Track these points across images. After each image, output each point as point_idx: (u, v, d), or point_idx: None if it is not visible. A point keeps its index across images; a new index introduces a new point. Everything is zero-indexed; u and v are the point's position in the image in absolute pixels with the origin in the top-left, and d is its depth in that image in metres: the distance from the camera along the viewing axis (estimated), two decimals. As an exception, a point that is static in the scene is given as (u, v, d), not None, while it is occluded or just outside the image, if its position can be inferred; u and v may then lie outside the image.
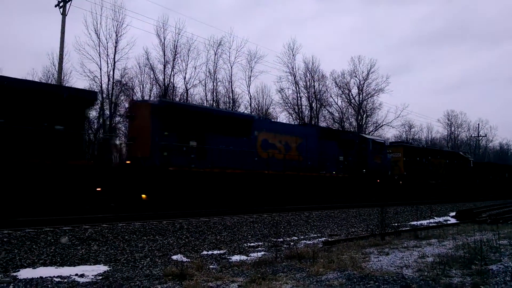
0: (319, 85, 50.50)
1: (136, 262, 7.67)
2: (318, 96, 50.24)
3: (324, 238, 11.92)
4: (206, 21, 77.66)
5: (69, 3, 24.86)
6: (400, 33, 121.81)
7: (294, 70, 49.02)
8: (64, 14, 24.76)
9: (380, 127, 53.42)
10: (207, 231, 11.53)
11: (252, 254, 8.93)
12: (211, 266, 7.39)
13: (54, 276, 6.36)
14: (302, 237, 11.99)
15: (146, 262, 7.70)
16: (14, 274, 6.48)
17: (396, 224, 14.26)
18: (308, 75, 49.67)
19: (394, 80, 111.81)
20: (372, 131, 51.49)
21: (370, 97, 53.43)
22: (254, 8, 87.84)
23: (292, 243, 10.64)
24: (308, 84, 49.65)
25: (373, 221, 15.44)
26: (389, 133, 55.88)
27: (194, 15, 79.17)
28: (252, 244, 10.30)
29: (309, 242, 11.04)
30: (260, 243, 10.51)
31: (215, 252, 9.09)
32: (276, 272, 6.51)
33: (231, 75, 43.59)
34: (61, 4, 24.93)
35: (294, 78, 48.85)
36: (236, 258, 8.45)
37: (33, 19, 67.54)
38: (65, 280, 6.17)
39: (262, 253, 9.09)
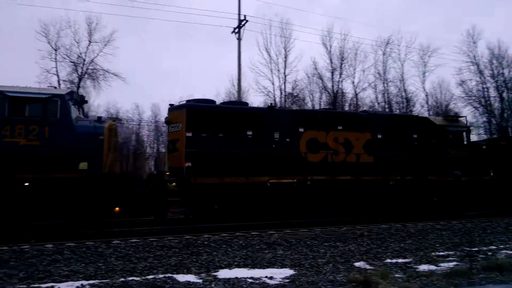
0: (509, 72, 43.90)
1: (319, 267, 7.84)
2: (510, 84, 43.62)
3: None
4: (372, 23, 75.75)
5: (242, 28, 27.31)
6: None
7: (477, 59, 43.74)
8: (239, 39, 27.34)
9: None
10: (389, 238, 11.09)
11: (441, 264, 8.21)
12: (396, 275, 7.06)
13: (247, 277, 6.96)
14: (502, 246, 10.50)
15: (329, 267, 7.80)
16: (214, 274, 7.31)
17: None
18: (495, 62, 43.69)
19: None
20: None
21: None
22: (423, 2, 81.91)
23: (489, 253, 9.41)
24: (495, 72, 43.67)
25: None
26: None
27: (359, 19, 78.06)
28: (441, 253, 9.47)
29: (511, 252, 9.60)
30: (451, 252, 9.59)
31: (400, 260, 8.64)
32: (472, 284, 5.84)
33: (402, 73, 41.43)
34: (236, 30, 27.54)
35: (478, 68, 43.56)
36: (423, 267, 7.88)
37: (215, 49, 76.30)
38: (257, 282, 6.69)
39: (454, 263, 8.27)
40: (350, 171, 15.35)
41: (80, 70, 32.73)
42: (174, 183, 13.17)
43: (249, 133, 14.30)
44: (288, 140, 14.76)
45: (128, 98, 74.34)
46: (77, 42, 32.90)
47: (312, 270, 7.60)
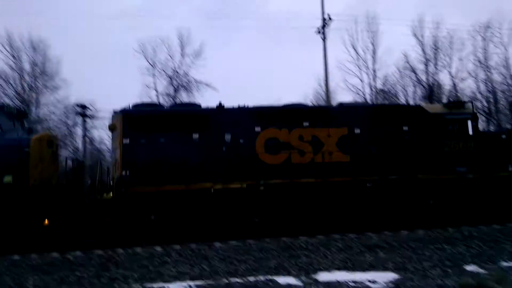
0: None
1: (425, 271, 7.40)
2: None
3: None
4: (467, 7, 70.03)
5: (326, 27, 26.96)
6: None
7: None
8: (324, 39, 26.98)
9: None
10: (503, 240, 10.12)
11: None
12: (515, 280, 6.40)
13: (348, 281, 6.80)
14: None
15: (436, 271, 7.32)
16: (314, 276, 7.25)
17: None
18: None
19: None
20: None
21: None
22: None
23: None
24: None
25: None
26: None
27: (452, 3, 72.65)
28: None
29: None
30: None
31: (518, 263, 7.84)
32: None
33: (506, 58, 37.60)
34: (320, 30, 27.23)
35: None
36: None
37: (301, 51, 76.45)
38: (359, 285, 6.52)
39: None
40: (318, 173, 13.28)
41: (175, 83, 34.95)
42: (111, 193, 12.58)
43: (196, 136, 13.10)
44: (241, 141, 13.25)
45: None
46: (171, 57, 35.37)
47: (418, 274, 7.20)
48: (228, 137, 13.23)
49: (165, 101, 33.21)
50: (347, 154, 13.58)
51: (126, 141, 12.76)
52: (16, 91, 32.95)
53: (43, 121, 32.17)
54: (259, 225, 12.68)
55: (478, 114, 15.15)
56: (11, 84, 33.03)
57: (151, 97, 33.94)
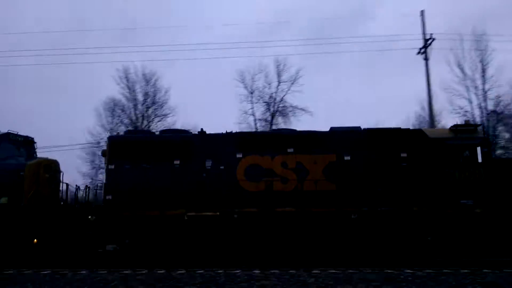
0: None
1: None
2: None
3: None
4: None
5: (429, 47, 26.06)
6: None
7: None
8: (426, 59, 26.05)
9: None
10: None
11: None
12: None
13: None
14: None
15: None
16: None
17: None
18: None
19: None
20: None
21: None
22: None
23: None
24: None
25: None
26: None
27: None
28: None
29: None
30: None
31: None
32: None
33: None
34: (422, 50, 26.36)
35: None
36: None
37: (401, 73, 76.16)
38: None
39: None
40: (298, 202, 12.47)
41: (272, 109, 36.41)
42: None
43: (177, 162, 13.11)
44: (222, 167, 12.99)
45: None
46: (268, 84, 36.77)
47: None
48: (209, 163, 13.12)
49: (261, 127, 35.28)
50: (334, 183, 12.67)
51: (112, 166, 13.24)
52: (130, 119, 36.86)
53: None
54: (231, 255, 12.11)
55: (490, 139, 13.40)
56: (125, 113, 37.17)
57: (249, 122, 35.76)
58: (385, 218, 12.22)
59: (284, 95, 36.20)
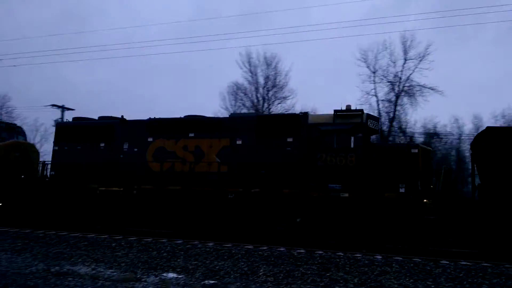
0: None
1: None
2: None
3: None
4: None
5: None
6: None
7: None
8: None
9: None
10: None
11: None
12: None
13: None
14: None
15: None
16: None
17: None
18: None
19: None
20: None
21: None
22: None
23: None
24: None
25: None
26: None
27: None
28: None
29: None
30: None
31: None
32: None
33: None
34: None
35: None
36: None
37: None
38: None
39: None
40: (190, 181, 13.93)
41: (396, 89, 34.14)
42: None
43: (102, 144, 15.51)
44: (136, 150, 14.90)
45: (447, 111, 73.42)
46: (393, 62, 34.26)
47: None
48: (125, 146, 15.22)
49: (384, 108, 34.00)
50: (225, 165, 13.81)
51: (56, 147, 16.37)
52: (252, 102, 38.46)
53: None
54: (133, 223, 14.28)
55: (368, 124, 12.64)
56: (247, 96, 38.90)
57: (371, 104, 34.01)
58: (258, 199, 13.10)
59: (410, 74, 33.45)
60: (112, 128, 15.64)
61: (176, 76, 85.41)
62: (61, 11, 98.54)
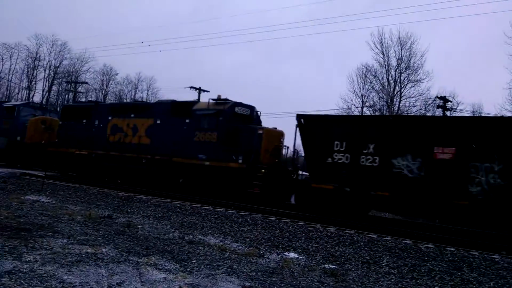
0: None
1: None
2: None
3: None
4: None
5: None
6: None
7: None
8: None
9: None
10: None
11: None
12: None
13: None
14: None
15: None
16: None
17: None
18: None
19: None
20: None
21: None
22: None
23: None
24: None
25: None
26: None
27: None
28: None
29: None
30: None
31: None
32: None
33: None
34: None
35: None
36: None
37: None
38: None
39: None
40: (132, 150, 19.10)
41: None
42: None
43: (84, 121, 21.58)
44: (101, 126, 20.71)
45: None
46: None
47: None
48: (96, 123, 21.12)
49: None
50: (149, 138, 18.80)
51: (60, 123, 23.15)
52: (382, 85, 36.87)
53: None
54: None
55: (236, 110, 16.64)
56: (377, 79, 37.48)
57: None
58: (158, 164, 17.94)
59: None
60: (90, 109, 21.83)
61: (304, 58, 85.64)
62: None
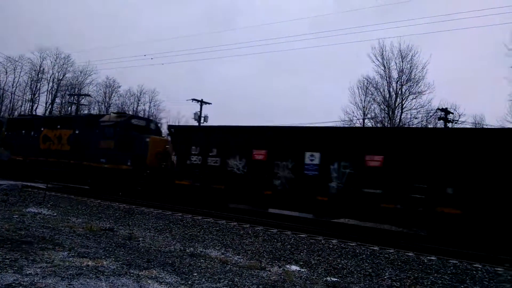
0: None
1: None
2: None
3: None
4: None
5: None
6: None
7: None
8: None
9: None
10: None
11: None
12: None
13: None
14: None
15: None
16: None
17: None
18: None
19: None
20: None
21: None
22: None
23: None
24: None
25: None
26: None
27: None
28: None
29: None
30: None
31: None
32: None
33: None
34: None
35: None
36: None
37: None
38: None
39: None
40: (56, 156, 22.19)
41: None
42: None
43: (23, 132, 24.93)
44: (35, 136, 23.83)
45: None
46: None
47: None
48: (32, 133, 24.50)
49: None
50: (69, 146, 22.13)
51: (6, 133, 26.25)
52: (383, 97, 37.48)
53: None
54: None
55: (126, 122, 20.07)
56: (379, 91, 37.81)
57: None
58: (73, 167, 21.39)
59: None
60: (32, 121, 25.40)
61: (305, 69, 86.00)
62: (204, 11, 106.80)
